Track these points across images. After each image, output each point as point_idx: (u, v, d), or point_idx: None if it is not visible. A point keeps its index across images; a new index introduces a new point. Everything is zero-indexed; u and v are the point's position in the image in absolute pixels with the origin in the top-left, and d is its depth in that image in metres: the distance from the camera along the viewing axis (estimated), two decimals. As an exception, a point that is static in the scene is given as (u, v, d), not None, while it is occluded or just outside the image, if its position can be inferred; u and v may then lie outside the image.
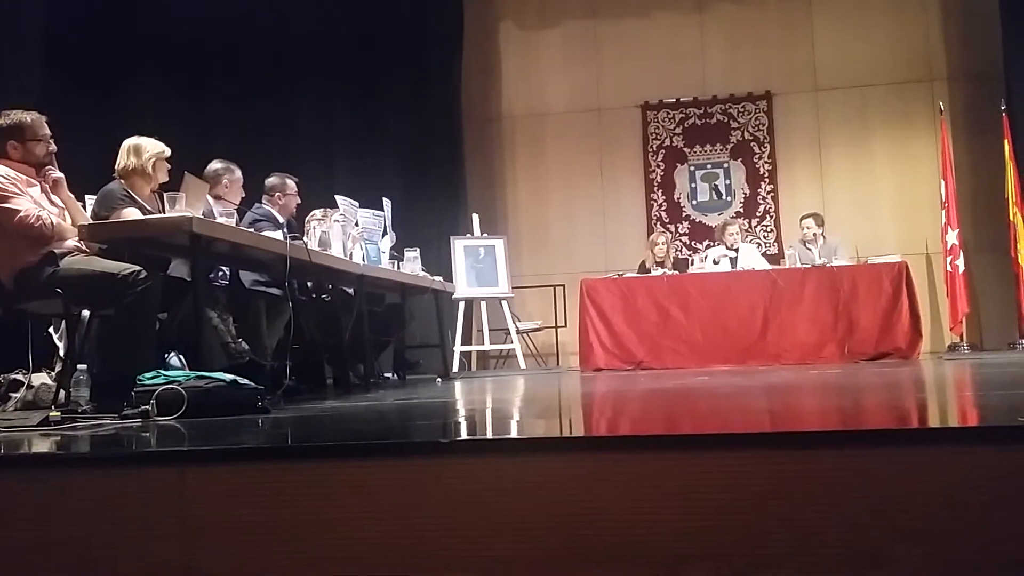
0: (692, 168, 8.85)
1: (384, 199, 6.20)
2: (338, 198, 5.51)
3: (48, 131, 3.87)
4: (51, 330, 4.89)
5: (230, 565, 1.76)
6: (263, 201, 5.50)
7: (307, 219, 5.55)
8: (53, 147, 3.90)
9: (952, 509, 1.60)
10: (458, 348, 7.64)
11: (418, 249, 6.51)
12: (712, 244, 8.13)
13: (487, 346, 8.10)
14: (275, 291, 4.89)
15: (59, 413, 3.09)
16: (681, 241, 8.73)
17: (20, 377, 4.71)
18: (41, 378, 4.69)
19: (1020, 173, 7.51)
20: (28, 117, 3.82)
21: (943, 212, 7.80)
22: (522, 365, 7.86)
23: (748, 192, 8.73)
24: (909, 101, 8.43)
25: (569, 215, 8.85)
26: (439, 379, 6.45)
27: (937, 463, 1.64)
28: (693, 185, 8.84)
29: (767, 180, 8.70)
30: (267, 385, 3.70)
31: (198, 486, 1.81)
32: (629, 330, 7.08)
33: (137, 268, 3.54)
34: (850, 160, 8.54)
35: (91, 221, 3.90)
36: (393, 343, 6.66)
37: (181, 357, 4.08)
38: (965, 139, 8.26)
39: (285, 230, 5.00)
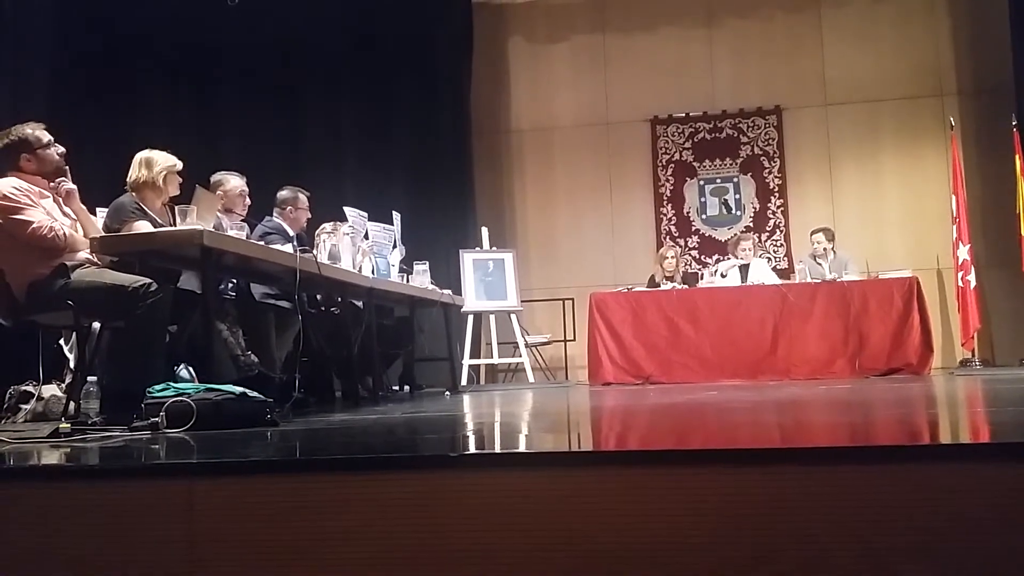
0: (702, 182, 8.85)
1: (394, 212, 6.21)
2: (347, 210, 5.53)
3: (50, 136, 3.90)
4: (61, 342, 4.91)
5: (238, 578, 1.76)
6: (274, 214, 5.52)
7: (317, 232, 5.56)
8: (61, 148, 3.93)
9: (962, 526, 1.59)
10: (467, 361, 7.64)
11: (427, 262, 6.53)
12: (722, 258, 8.12)
13: (496, 359, 8.10)
14: (285, 304, 4.90)
15: (69, 425, 3.10)
16: (691, 255, 8.73)
17: (30, 389, 4.73)
18: (51, 390, 4.71)
19: (1031, 188, 7.48)
20: (29, 128, 3.85)
21: (954, 227, 7.78)
22: (531, 379, 7.85)
23: (758, 206, 8.73)
24: (919, 116, 8.42)
25: (578, 229, 8.86)
26: (448, 392, 6.44)
27: (948, 480, 1.63)
28: (703, 199, 8.84)
29: (777, 194, 8.69)
30: (276, 398, 3.71)
31: (207, 499, 1.81)
32: (638, 344, 7.07)
33: (148, 281, 3.55)
34: (860, 175, 8.53)
35: (103, 233, 3.93)
36: (402, 356, 6.66)
37: (191, 369, 4.10)
38: (976, 154, 8.25)
39: (295, 243, 5.02)
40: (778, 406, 3.65)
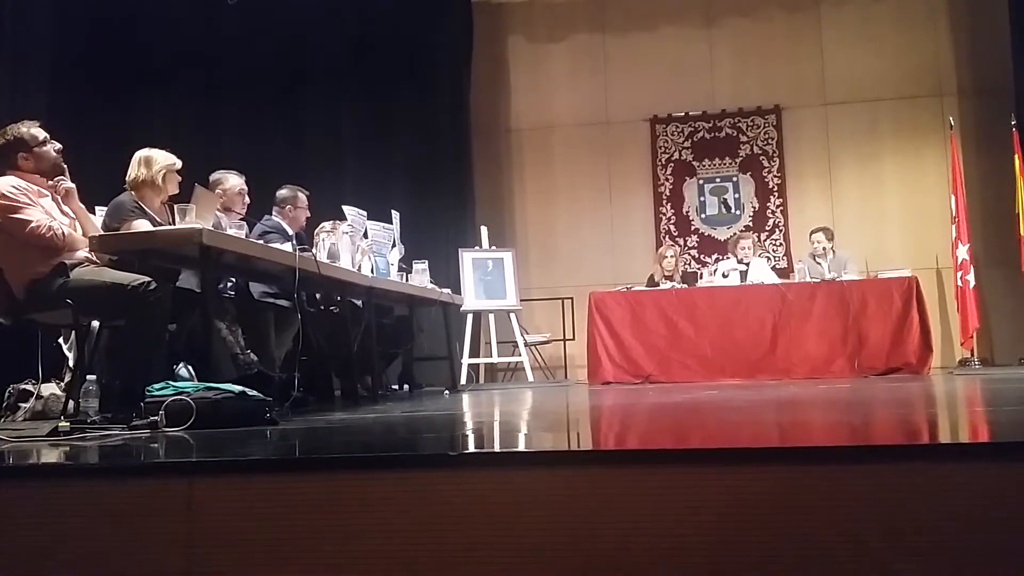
0: (701, 182, 8.85)
1: (393, 211, 6.21)
2: (346, 208, 5.53)
3: (46, 133, 3.90)
4: (60, 340, 4.91)
5: (237, 577, 1.76)
6: (273, 213, 5.52)
7: (316, 231, 5.57)
8: (58, 145, 3.93)
9: (961, 526, 1.59)
10: (466, 360, 7.63)
11: (426, 261, 6.52)
12: (721, 258, 8.12)
13: (495, 359, 8.10)
14: (284, 303, 4.90)
15: (68, 424, 3.09)
16: (690, 254, 8.73)
17: (29, 387, 4.72)
18: (50, 388, 4.70)
19: (1030, 188, 7.48)
20: (23, 127, 3.85)
21: (953, 227, 7.77)
22: (530, 378, 7.85)
23: (757, 206, 8.73)
24: (919, 115, 8.42)
25: (577, 228, 8.85)
26: (447, 391, 6.44)
27: (946, 479, 1.63)
28: (702, 199, 8.84)
29: (776, 194, 8.69)
30: (275, 397, 3.70)
31: (206, 497, 1.81)
32: (637, 343, 7.07)
33: (147, 279, 3.55)
34: (859, 174, 8.53)
35: (102, 232, 3.92)
36: (401, 355, 6.66)
37: (190, 368, 4.09)
38: (975, 154, 8.25)
39: (294, 242, 5.02)
40: (777, 405, 3.65)
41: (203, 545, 1.78)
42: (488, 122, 8.97)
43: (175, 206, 3.91)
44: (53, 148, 3.90)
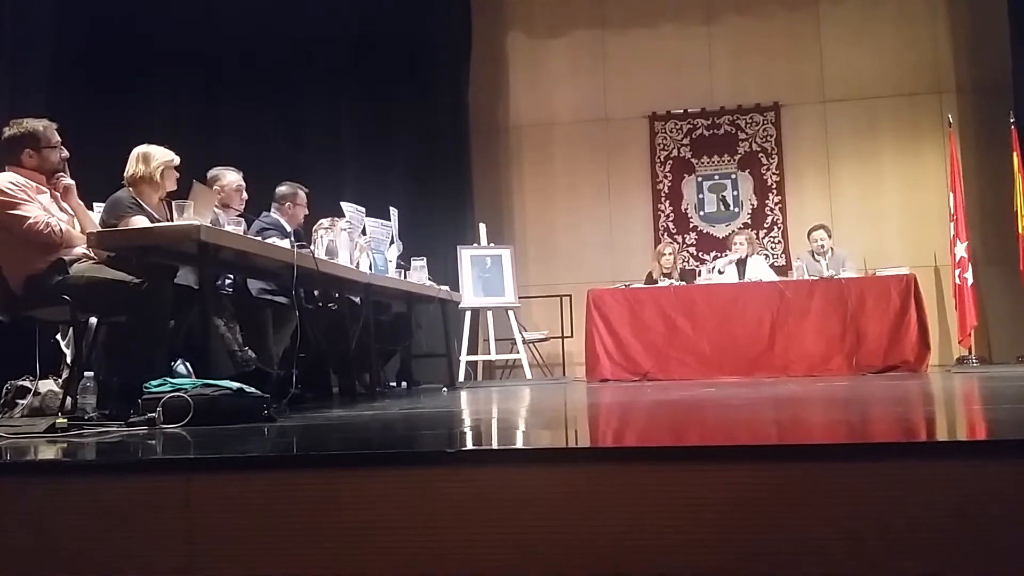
0: (700, 179, 8.85)
1: (391, 208, 6.21)
2: (344, 205, 5.52)
3: (59, 138, 3.90)
4: (58, 337, 4.90)
5: (236, 573, 1.76)
6: (272, 209, 5.52)
7: (314, 228, 5.56)
8: (65, 153, 3.93)
9: (960, 523, 1.59)
10: (464, 358, 7.63)
11: (425, 258, 6.52)
12: (720, 255, 8.13)
13: (493, 356, 8.09)
14: (282, 299, 4.90)
15: (65, 420, 3.09)
16: (688, 252, 8.73)
17: (27, 384, 4.71)
18: (48, 385, 4.69)
19: (1029, 186, 7.49)
20: (40, 124, 3.85)
21: (952, 224, 7.78)
22: (528, 375, 7.85)
23: (756, 203, 8.73)
24: (917, 113, 8.42)
25: (576, 225, 8.85)
26: (445, 389, 6.44)
27: (945, 477, 1.63)
28: (700, 196, 8.84)
29: (775, 191, 8.69)
30: (273, 393, 3.70)
31: (205, 494, 1.81)
32: (635, 341, 7.07)
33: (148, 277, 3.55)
34: (858, 172, 8.53)
35: (100, 229, 3.92)
36: (399, 352, 6.66)
37: (188, 365, 4.09)
38: (974, 151, 8.25)
39: (292, 239, 5.01)
40: (775, 403, 3.65)
41: (202, 542, 1.78)
42: (487, 119, 8.96)
43: (173, 202, 3.90)
44: (60, 154, 3.90)
